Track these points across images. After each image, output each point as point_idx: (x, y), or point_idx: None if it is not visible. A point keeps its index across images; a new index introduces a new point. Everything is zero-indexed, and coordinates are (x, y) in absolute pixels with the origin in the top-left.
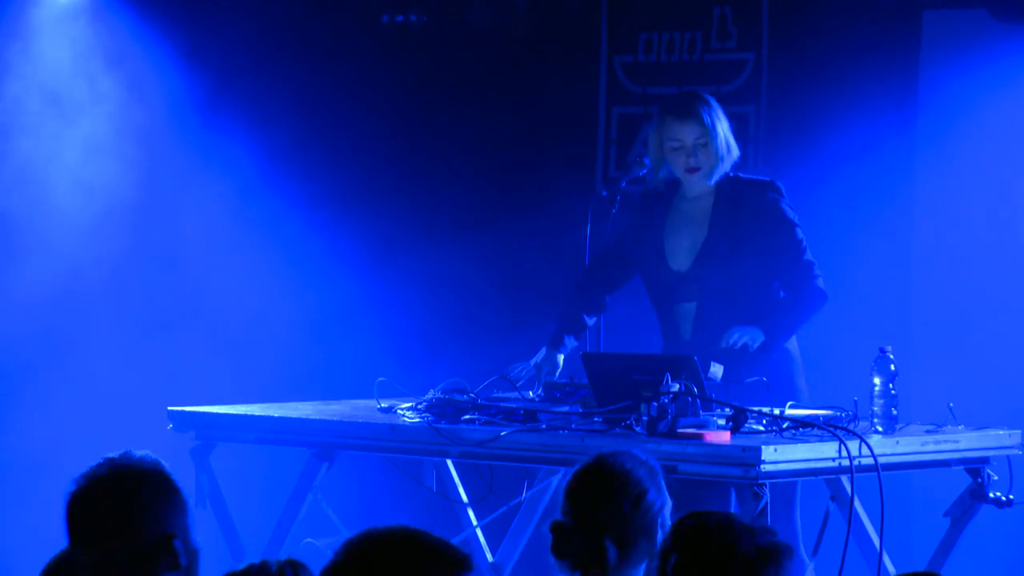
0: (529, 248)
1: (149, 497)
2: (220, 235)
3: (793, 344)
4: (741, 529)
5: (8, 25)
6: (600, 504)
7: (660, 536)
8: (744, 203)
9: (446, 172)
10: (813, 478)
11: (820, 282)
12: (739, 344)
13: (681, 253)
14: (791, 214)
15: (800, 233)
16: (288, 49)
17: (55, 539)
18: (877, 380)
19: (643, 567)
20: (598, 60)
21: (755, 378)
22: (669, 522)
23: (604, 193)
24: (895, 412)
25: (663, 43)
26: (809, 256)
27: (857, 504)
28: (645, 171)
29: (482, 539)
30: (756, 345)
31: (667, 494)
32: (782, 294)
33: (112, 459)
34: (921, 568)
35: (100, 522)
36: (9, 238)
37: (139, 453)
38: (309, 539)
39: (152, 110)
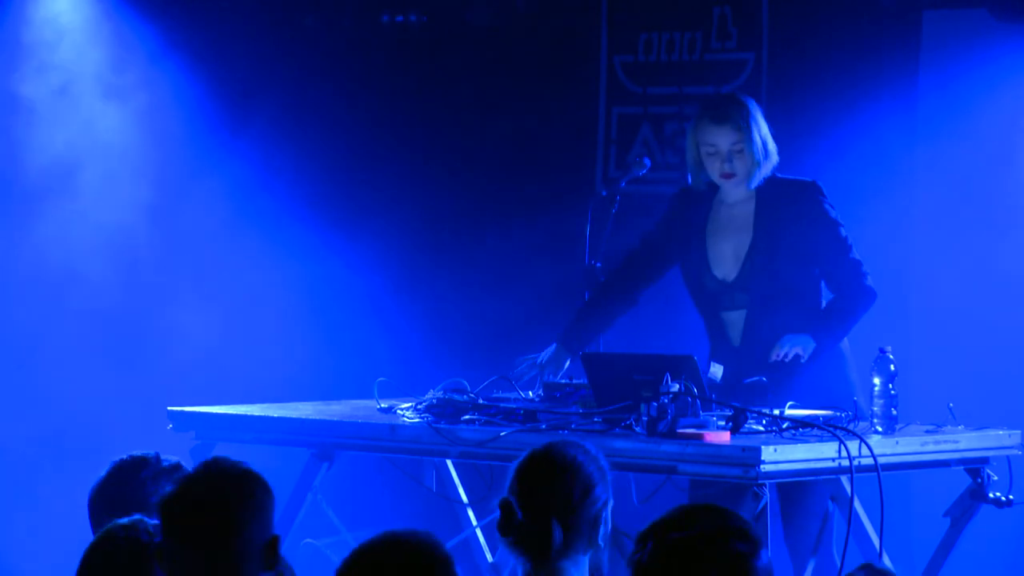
0: (529, 248)
1: (261, 500)
2: (220, 235)
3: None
4: (724, 531)
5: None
6: (550, 486)
7: (603, 531)
8: (786, 206)
9: (446, 172)
10: (813, 478)
11: (869, 280)
12: (790, 356)
13: (725, 261)
14: (834, 213)
15: (844, 232)
16: (287, 48)
17: (56, 538)
18: (877, 380)
19: (587, 558)
20: (598, 60)
21: (755, 378)
22: (611, 521)
23: (604, 193)
24: (895, 412)
25: (663, 43)
26: (855, 255)
27: (857, 504)
28: (645, 171)
29: (482, 539)
30: (808, 354)
31: (611, 493)
32: (830, 294)
33: (209, 463)
34: (921, 569)
35: (211, 521)
36: (19, 232)
37: (231, 459)
38: (309, 539)
39: (158, 108)
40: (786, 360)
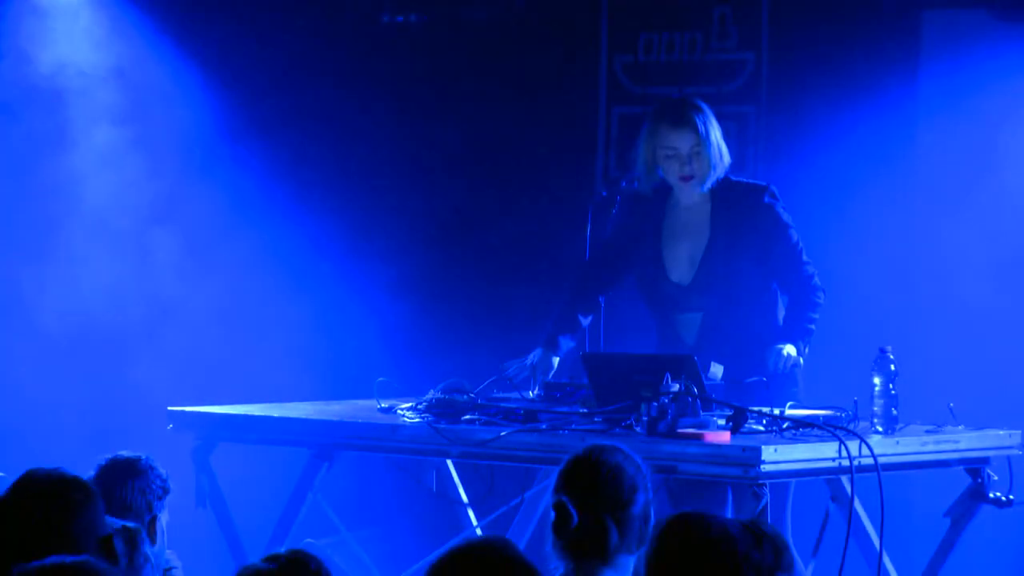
0: (529, 248)
1: (78, 502)
2: (219, 236)
3: None
4: (741, 534)
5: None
6: (601, 487)
7: (651, 528)
8: (741, 208)
9: (445, 172)
10: (813, 478)
11: (817, 279)
12: (788, 367)
13: (681, 264)
14: (786, 217)
15: (796, 235)
16: (287, 48)
17: None
18: (877, 380)
19: (632, 560)
20: (598, 60)
21: (755, 378)
22: (653, 519)
23: (604, 193)
24: (895, 412)
25: (663, 43)
26: (805, 256)
27: (857, 504)
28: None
29: None
30: (801, 363)
31: (651, 490)
32: (784, 295)
33: (21, 479)
34: (921, 569)
35: (29, 537)
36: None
37: (46, 468)
38: (309, 539)
39: (161, 109)
40: (785, 370)
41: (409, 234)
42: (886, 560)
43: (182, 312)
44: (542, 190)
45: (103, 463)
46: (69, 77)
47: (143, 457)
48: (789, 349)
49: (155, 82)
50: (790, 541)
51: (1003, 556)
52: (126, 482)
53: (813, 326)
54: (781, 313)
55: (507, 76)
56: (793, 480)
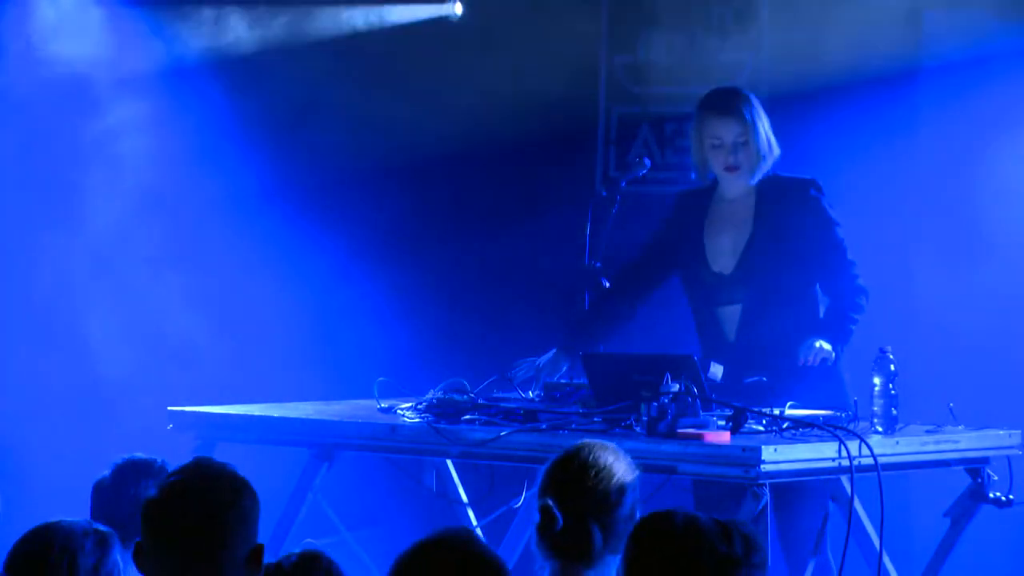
0: (529, 248)
1: (249, 508)
2: (220, 236)
3: None
4: (709, 532)
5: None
6: (587, 489)
7: None
8: (786, 202)
9: (445, 171)
10: (813, 478)
11: (861, 281)
12: (818, 359)
13: (723, 255)
14: (833, 213)
15: (841, 232)
16: (289, 45)
17: None
18: (877, 380)
19: (616, 559)
20: (598, 60)
21: (755, 378)
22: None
23: (604, 193)
24: (895, 412)
25: (663, 43)
26: (850, 256)
27: (857, 504)
28: (645, 171)
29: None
30: (832, 357)
31: (639, 489)
32: (826, 295)
33: (196, 466)
34: (921, 569)
35: (197, 530)
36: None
37: (216, 463)
38: (309, 539)
39: (158, 109)
40: (815, 363)
41: (409, 234)
42: (886, 560)
43: (182, 312)
44: (542, 190)
45: (120, 462)
46: (77, 69)
47: (158, 460)
48: (822, 343)
49: (159, 78)
50: (828, 551)
51: (1003, 556)
52: (139, 481)
53: (854, 327)
54: (821, 314)
55: (506, 76)
56: (844, 476)
